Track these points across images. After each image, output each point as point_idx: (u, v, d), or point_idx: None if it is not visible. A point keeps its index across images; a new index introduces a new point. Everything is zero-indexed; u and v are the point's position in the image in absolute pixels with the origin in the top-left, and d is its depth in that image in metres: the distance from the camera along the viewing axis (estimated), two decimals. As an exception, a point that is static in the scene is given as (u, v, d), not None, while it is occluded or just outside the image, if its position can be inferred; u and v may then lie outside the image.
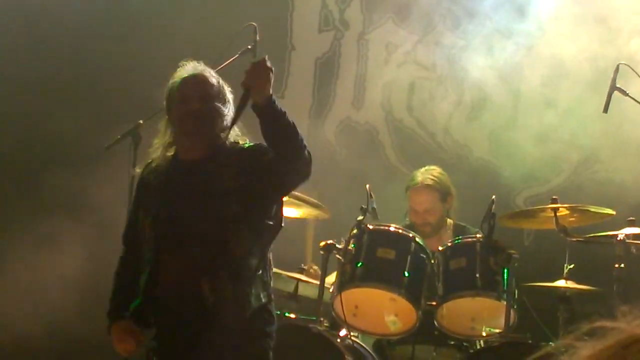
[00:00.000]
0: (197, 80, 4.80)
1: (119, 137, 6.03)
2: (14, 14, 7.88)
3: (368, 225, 5.79)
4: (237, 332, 4.70)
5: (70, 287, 7.16)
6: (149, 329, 4.84)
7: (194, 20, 7.86)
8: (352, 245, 5.80)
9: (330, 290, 5.82)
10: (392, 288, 5.66)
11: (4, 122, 7.90)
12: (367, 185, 5.87)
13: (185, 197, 4.78)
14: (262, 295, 4.75)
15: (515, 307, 5.63)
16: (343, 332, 5.85)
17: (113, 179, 6.54)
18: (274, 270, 5.38)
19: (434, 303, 5.68)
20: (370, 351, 5.93)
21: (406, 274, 5.68)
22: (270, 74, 4.51)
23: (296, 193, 6.21)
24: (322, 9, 8.05)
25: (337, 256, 5.79)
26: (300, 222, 6.73)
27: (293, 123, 4.59)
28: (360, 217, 5.77)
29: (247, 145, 4.79)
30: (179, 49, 7.48)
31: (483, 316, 5.78)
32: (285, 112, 4.56)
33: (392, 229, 5.86)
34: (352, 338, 5.89)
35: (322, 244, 5.92)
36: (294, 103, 7.83)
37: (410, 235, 5.79)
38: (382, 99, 7.96)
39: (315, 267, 6.44)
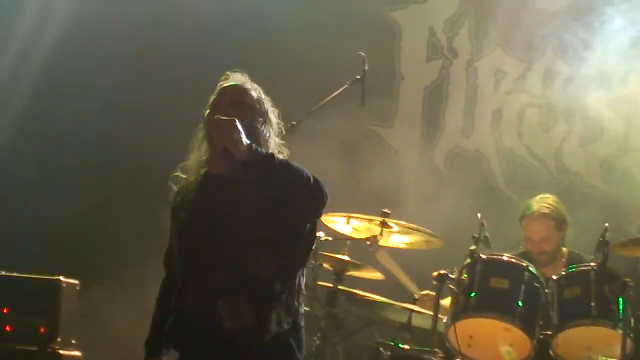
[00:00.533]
0: (234, 88, 4.78)
1: None
2: (129, 44, 8.31)
3: (481, 255, 5.89)
4: (257, 357, 4.62)
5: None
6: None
7: (305, 49, 8.15)
8: (465, 275, 5.90)
9: (444, 320, 5.93)
10: (506, 318, 5.74)
11: (122, 154, 8.31)
12: (479, 215, 5.99)
13: (209, 214, 4.70)
14: (284, 322, 4.64)
15: (631, 335, 5.68)
16: (458, 363, 6.07)
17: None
18: (388, 301, 5.56)
19: (549, 332, 5.75)
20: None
21: (520, 303, 5.76)
22: (232, 127, 4.43)
23: (408, 223, 6.59)
24: (430, 38, 8.32)
25: (450, 286, 5.89)
26: (411, 251, 6.90)
27: (285, 161, 4.58)
28: (472, 247, 5.88)
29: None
30: (290, 78, 7.92)
31: (599, 345, 5.83)
32: (272, 154, 4.55)
33: (505, 258, 5.97)
34: (467, 368, 6.11)
35: (435, 274, 6.04)
36: (403, 131, 8.17)
37: (524, 264, 5.89)
38: (492, 126, 8.14)
39: (428, 292, 6.60)
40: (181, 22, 8.42)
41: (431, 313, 6.15)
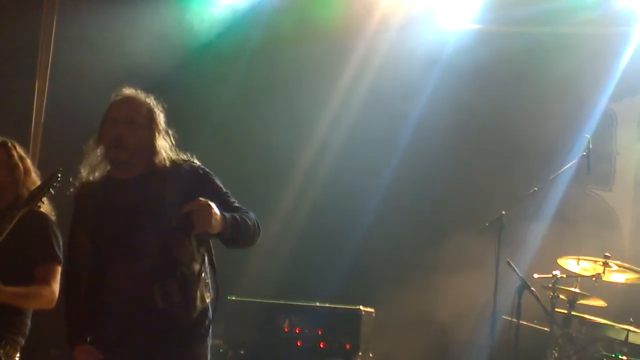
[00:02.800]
0: (128, 103, 4.86)
1: (487, 224, 7.75)
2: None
3: None
4: (186, 332, 4.85)
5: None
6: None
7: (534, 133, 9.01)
8: None
9: None
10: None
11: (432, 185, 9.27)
12: None
13: (127, 211, 4.85)
14: (206, 296, 4.89)
15: None
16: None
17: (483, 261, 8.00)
18: (610, 322, 6.66)
19: None
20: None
21: None
22: (209, 213, 4.53)
23: (624, 263, 7.68)
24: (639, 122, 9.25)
25: None
26: (627, 285, 7.93)
27: (242, 218, 4.71)
28: None
29: (185, 164, 4.90)
30: (531, 163, 8.84)
31: None
32: (237, 221, 4.67)
33: None
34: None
35: None
36: (621, 197, 9.14)
37: None
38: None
39: None
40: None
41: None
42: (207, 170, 4.92)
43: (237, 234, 4.68)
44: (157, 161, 4.83)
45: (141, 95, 4.90)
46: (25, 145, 6.54)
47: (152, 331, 4.72)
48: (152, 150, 4.81)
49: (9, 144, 5.82)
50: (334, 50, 9.33)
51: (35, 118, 8.14)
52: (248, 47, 9.47)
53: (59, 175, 5.16)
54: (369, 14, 9.21)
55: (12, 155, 5.79)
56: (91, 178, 4.94)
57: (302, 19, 9.36)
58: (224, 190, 4.90)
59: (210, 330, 4.90)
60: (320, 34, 9.29)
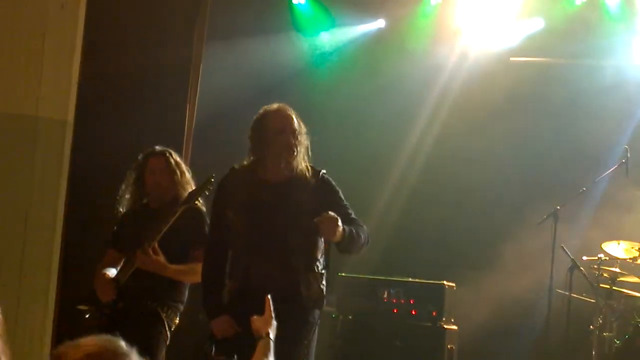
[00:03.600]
0: (288, 115, 5.14)
1: (544, 217, 8.38)
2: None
3: None
4: (308, 309, 5.19)
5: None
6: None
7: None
8: None
9: None
10: None
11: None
12: None
13: (279, 211, 5.11)
14: (323, 285, 5.22)
15: None
16: None
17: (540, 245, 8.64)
18: None
19: None
20: None
21: None
22: (335, 224, 4.87)
23: None
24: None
25: None
26: None
27: (360, 238, 5.07)
28: None
29: (318, 174, 5.19)
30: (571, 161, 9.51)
31: None
32: (353, 235, 5.00)
33: None
34: None
35: None
36: None
37: None
38: None
39: None
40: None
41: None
42: (334, 183, 5.28)
43: (351, 246, 5.08)
44: (299, 169, 5.14)
45: (289, 109, 5.20)
46: (179, 151, 7.11)
47: (290, 314, 4.82)
48: (299, 159, 5.11)
49: (167, 153, 6.25)
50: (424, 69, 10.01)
51: (187, 128, 8.41)
52: (355, 66, 10.32)
53: (212, 180, 5.70)
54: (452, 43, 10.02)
55: (170, 163, 6.22)
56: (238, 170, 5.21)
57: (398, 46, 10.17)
58: (345, 202, 5.27)
59: (323, 305, 5.27)
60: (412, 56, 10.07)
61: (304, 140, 5.14)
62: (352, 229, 5.02)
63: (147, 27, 8.28)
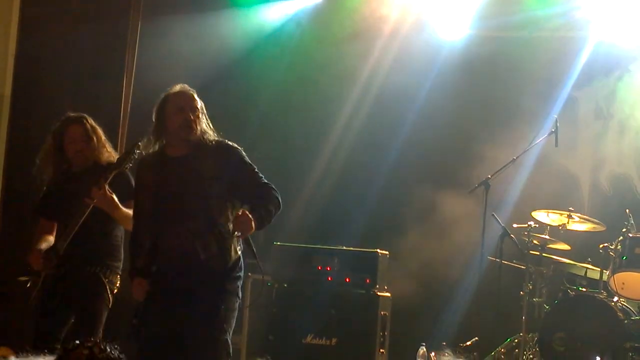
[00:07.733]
0: (188, 95, 5.34)
1: (476, 185, 8.43)
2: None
3: (629, 234, 8.18)
4: (221, 277, 5.27)
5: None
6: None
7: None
8: (619, 246, 8.15)
9: (607, 273, 8.16)
10: (644, 272, 7.93)
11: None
12: (627, 210, 8.37)
13: (179, 182, 5.28)
14: (237, 249, 5.33)
15: None
16: (615, 299, 8.05)
17: (472, 213, 8.76)
18: (572, 262, 7.52)
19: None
20: (631, 309, 8.15)
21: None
22: (250, 225, 5.09)
23: (584, 215, 8.56)
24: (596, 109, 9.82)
25: (610, 252, 8.14)
26: (586, 232, 8.65)
27: (270, 213, 5.25)
28: (624, 229, 8.20)
29: (215, 142, 5.34)
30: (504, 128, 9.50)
31: None
32: (262, 220, 5.18)
33: (643, 235, 8.07)
34: (621, 302, 8.10)
35: (601, 245, 8.20)
36: (581, 165, 9.80)
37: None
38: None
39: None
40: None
41: (598, 269, 8.23)
42: (239, 148, 5.42)
43: (262, 227, 5.25)
44: (201, 141, 5.30)
45: (190, 89, 5.42)
46: (115, 129, 7.47)
47: (195, 277, 5.18)
48: (200, 132, 5.30)
49: (84, 119, 6.34)
50: (353, 53, 10.09)
51: (123, 109, 8.66)
52: (288, 47, 10.22)
53: (140, 145, 5.71)
54: (381, 24, 10.02)
55: (88, 129, 6.31)
56: (149, 151, 5.42)
57: (327, 26, 10.19)
58: (251, 165, 5.43)
59: (242, 273, 5.38)
60: (342, 38, 10.11)
61: (203, 116, 5.35)
62: (262, 211, 5.21)
63: (84, 1, 8.53)
